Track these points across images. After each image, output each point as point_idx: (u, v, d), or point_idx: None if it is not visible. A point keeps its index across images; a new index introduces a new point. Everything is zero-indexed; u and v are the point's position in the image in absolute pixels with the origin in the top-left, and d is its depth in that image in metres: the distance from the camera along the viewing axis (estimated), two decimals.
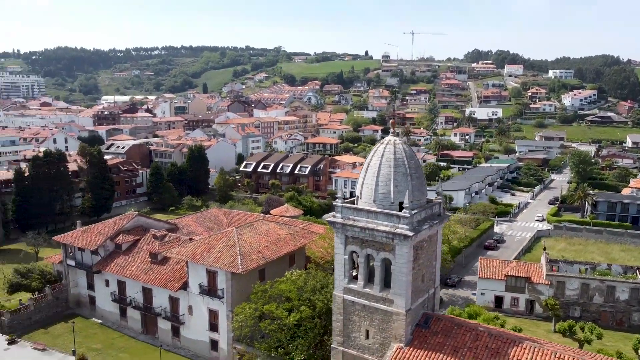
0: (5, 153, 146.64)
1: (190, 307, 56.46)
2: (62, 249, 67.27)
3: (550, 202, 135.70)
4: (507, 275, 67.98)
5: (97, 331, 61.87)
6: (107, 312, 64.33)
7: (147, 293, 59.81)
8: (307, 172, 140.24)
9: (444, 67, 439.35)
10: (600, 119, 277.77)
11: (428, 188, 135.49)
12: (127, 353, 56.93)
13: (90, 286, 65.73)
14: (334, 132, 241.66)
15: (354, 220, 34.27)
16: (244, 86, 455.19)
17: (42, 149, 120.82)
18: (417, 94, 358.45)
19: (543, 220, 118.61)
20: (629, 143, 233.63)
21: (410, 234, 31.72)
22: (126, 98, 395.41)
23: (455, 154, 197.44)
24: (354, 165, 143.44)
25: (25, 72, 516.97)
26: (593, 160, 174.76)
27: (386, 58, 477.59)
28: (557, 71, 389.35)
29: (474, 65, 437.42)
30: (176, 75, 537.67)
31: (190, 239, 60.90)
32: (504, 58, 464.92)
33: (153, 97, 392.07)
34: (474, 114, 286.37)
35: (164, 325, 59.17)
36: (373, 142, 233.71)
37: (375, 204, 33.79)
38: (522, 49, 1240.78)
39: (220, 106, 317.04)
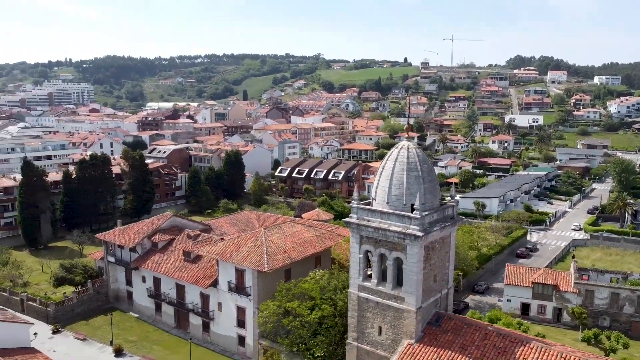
0: (56, 156, 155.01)
1: (219, 304, 59.11)
2: (104, 246, 71.47)
3: (589, 212, 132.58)
4: (533, 283, 67.64)
5: (134, 324, 65.44)
6: (143, 307, 67.88)
7: (180, 289, 62.92)
8: (340, 178, 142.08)
9: (484, 73, 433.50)
10: None
11: (462, 195, 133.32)
12: (160, 346, 60.08)
13: (129, 282, 69.51)
14: (370, 139, 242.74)
15: (368, 221, 35.96)
16: (283, 93, 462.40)
17: (89, 153, 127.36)
18: (455, 100, 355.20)
19: (580, 229, 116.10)
20: None
21: (421, 234, 33.13)
22: (169, 105, 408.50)
23: (492, 161, 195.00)
24: None
25: (76, 80, 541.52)
26: (637, 169, 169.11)
27: (425, 65, 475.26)
28: (604, 77, 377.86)
29: (515, 71, 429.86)
30: (218, 82, 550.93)
31: (221, 239, 63.72)
32: (547, 64, 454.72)
33: (195, 104, 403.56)
34: (513, 121, 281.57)
35: (195, 320, 62.07)
36: None
37: (388, 205, 35.39)
38: (567, 54, 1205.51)
39: (259, 113, 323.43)
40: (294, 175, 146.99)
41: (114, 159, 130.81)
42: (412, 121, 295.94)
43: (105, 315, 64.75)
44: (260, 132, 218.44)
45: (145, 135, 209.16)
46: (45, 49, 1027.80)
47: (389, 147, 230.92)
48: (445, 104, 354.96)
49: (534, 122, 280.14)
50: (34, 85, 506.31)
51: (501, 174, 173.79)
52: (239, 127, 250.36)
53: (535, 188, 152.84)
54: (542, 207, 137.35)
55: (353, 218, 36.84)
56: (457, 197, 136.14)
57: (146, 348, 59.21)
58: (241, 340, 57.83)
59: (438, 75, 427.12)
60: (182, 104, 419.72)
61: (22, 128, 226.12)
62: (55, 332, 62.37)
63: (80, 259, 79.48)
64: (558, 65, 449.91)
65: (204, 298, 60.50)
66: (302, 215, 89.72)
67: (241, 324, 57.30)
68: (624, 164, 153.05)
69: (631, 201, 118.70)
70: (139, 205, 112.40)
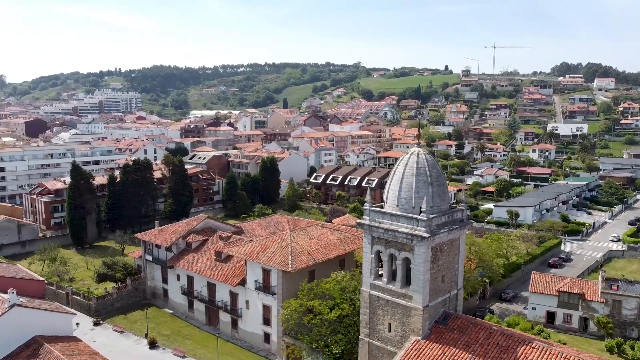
0: (103, 161, 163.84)
1: (247, 302, 62.00)
2: (142, 245, 75.93)
3: (631, 223, 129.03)
4: (559, 291, 67.42)
5: (168, 320, 69.26)
6: (177, 304, 71.68)
7: (211, 287, 66.25)
8: (374, 185, 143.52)
9: (527, 81, 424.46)
10: None
11: (496, 204, 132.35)
12: (191, 340, 63.51)
13: (164, 280, 73.56)
14: (407, 147, 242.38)
15: (380, 222, 38.00)
16: (322, 101, 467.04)
17: (133, 158, 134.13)
18: (496, 108, 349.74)
19: (619, 240, 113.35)
20: None
21: (427, 235, 34.91)
22: (212, 113, 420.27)
23: (531, 170, 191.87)
24: None
25: (125, 89, 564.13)
26: None
27: (466, 72, 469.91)
28: None
29: (560, 79, 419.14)
30: (259, 91, 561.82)
31: (250, 241, 66.79)
32: (594, 71, 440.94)
33: (236, 112, 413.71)
34: (556, 130, 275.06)
35: (224, 317, 65.19)
36: (446, 157, 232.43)
37: (398, 208, 37.34)
38: (616, 61, 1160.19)
39: (298, 121, 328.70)
40: (328, 181, 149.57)
41: (156, 164, 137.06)
42: (450, 130, 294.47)
43: (142, 311, 68.75)
44: (298, 139, 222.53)
45: (187, 142, 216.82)
46: (97, 60, 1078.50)
47: None
48: (486, 112, 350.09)
49: (577, 130, 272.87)
50: (86, 94, 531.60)
51: (539, 183, 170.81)
52: (277, 135, 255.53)
53: (574, 198, 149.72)
54: (581, 217, 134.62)
55: (365, 219, 38.98)
56: (491, 205, 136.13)
57: (178, 342, 62.70)
58: (266, 337, 60.46)
59: (479, 83, 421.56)
60: (224, 111, 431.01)
61: (73, 134, 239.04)
62: (96, 324, 66.88)
63: (122, 258, 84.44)
64: (606, 72, 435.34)
65: (233, 296, 63.54)
66: (333, 221, 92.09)
67: (267, 321, 59.95)
68: None
69: None
70: (178, 208, 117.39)
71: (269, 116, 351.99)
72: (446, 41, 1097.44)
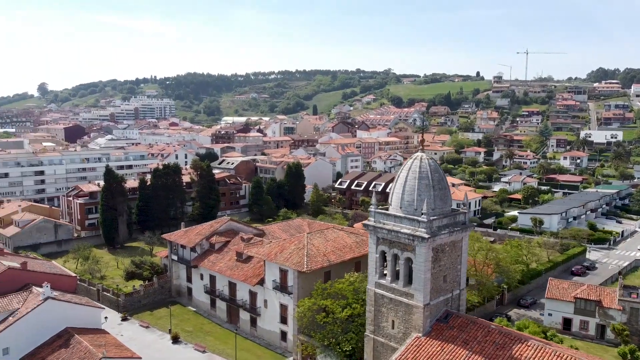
0: (136, 166, 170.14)
1: (265, 301, 64.47)
2: (168, 245, 79.53)
3: None
4: (576, 297, 67.42)
5: (191, 317, 72.40)
6: (201, 302, 74.77)
7: (232, 287, 69.07)
8: None
9: (561, 87, 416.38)
10: None
11: (523, 211, 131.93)
12: (212, 337, 66.38)
13: (189, 279, 76.85)
14: (435, 153, 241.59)
15: (384, 224, 39.84)
16: (352, 108, 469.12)
17: (164, 163, 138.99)
18: (528, 115, 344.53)
19: None
20: None
21: (427, 236, 36.59)
22: (243, 119, 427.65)
23: (561, 178, 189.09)
24: None
25: (160, 96, 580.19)
26: None
27: (498, 79, 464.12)
28: None
29: (595, 85, 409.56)
30: (290, 97, 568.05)
31: (270, 242, 69.34)
32: (632, 77, 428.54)
33: (267, 119, 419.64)
34: (589, 137, 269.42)
35: (244, 315, 67.85)
36: (474, 164, 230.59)
37: (401, 210, 39.13)
38: None
39: (326, 127, 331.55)
40: (352, 187, 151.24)
41: (186, 169, 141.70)
42: (480, 136, 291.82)
43: (167, 308, 71.98)
44: (325, 145, 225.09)
45: (217, 148, 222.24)
46: (134, 68, 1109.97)
47: (454, 162, 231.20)
48: (517, 119, 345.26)
49: (612, 137, 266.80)
50: (123, 100, 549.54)
51: (568, 191, 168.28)
52: (305, 141, 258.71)
53: (604, 206, 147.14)
54: (610, 225, 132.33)
55: (371, 221, 40.89)
56: (516, 212, 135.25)
57: (199, 338, 65.64)
58: (283, 335, 62.74)
59: (511, 89, 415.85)
60: (254, 118, 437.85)
61: (109, 140, 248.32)
62: (124, 319, 70.60)
63: (149, 257, 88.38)
64: None
65: (252, 295, 66.11)
66: (354, 225, 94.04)
67: (283, 320, 62.25)
68: None
69: None
70: (205, 211, 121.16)
71: (297, 122, 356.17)
72: (478, 47, 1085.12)
